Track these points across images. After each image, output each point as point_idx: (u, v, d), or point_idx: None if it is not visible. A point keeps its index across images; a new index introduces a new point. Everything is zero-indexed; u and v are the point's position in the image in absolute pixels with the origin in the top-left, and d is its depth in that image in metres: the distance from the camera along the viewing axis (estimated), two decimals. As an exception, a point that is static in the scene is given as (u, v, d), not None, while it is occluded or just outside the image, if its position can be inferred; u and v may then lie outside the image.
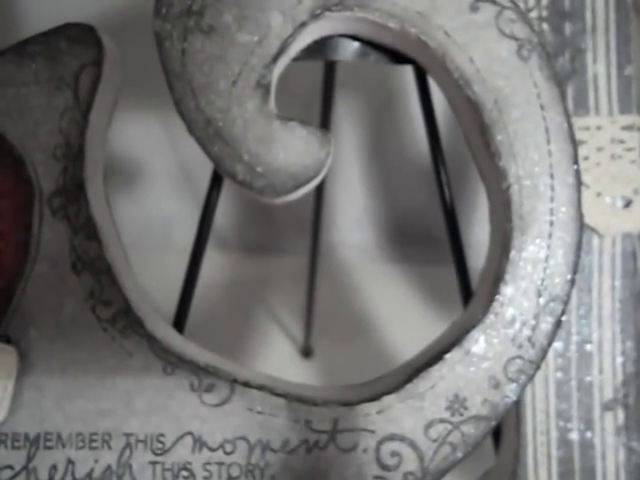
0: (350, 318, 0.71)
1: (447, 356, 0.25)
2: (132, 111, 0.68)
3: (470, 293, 0.34)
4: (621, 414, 0.28)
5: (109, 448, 0.25)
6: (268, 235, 0.79)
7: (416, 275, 0.75)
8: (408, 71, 0.32)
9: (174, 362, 0.25)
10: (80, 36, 0.26)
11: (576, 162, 0.26)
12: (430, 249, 0.74)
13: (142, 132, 0.71)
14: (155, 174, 0.75)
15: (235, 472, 0.25)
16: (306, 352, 0.68)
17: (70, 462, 0.25)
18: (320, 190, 0.57)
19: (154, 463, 0.25)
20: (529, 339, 0.25)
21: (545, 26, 0.29)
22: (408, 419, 0.25)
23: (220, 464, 0.25)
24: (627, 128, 0.28)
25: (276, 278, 0.76)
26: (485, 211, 0.28)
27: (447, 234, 0.32)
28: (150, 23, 0.26)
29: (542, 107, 0.26)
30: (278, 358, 0.67)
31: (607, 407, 0.28)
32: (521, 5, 0.27)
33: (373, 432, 0.25)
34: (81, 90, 0.26)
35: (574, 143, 0.26)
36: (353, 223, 0.77)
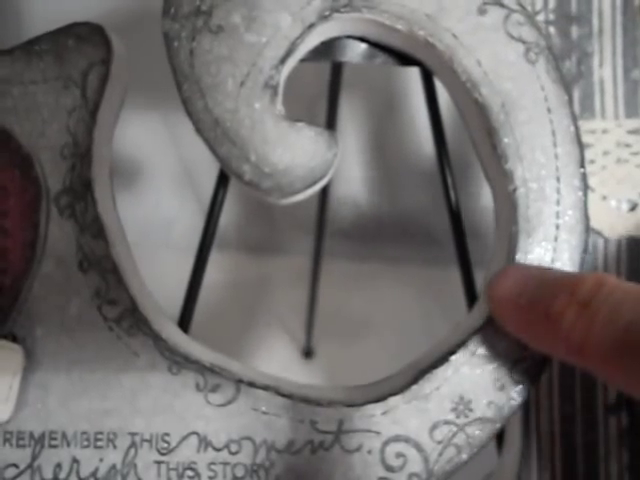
0: (352, 319, 0.71)
1: (453, 357, 0.25)
2: (134, 110, 0.68)
3: (475, 295, 0.34)
4: (625, 417, 0.28)
5: (114, 447, 0.25)
6: (269, 235, 0.79)
7: (418, 276, 0.75)
8: (414, 73, 0.32)
9: (180, 362, 0.25)
10: (88, 35, 0.26)
11: (583, 165, 0.26)
12: (432, 250, 0.74)
13: (144, 131, 0.71)
14: (156, 173, 0.75)
15: (240, 472, 0.25)
16: (307, 353, 0.68)
17: (75, 461, 0.25)
18: (324, 191, 0.57)
19: (159, 462, 0.25)
20: (534, 341, 0.25)
21: (552, 29, 0.29)
22: (413, 420, 0.25)
23: (225, 464, 0.25)
24: (633, 132, 0.28)
25: (277, 278, 0.76)
26: (490, 213, 0.28)
27: (452, 236, 0.32)
28: (157, 23, 0.26)
29: (549, 110, 0.26)
30: (279, 359, 0.67)
31: (611, 410, 0.28)
32: (528, 8, 0.27)
33: (378, 433, 0.25)
34: (89, 89, 0.26)
35: (581, 146, 0.26)
36: (356, 223, 0.77)
